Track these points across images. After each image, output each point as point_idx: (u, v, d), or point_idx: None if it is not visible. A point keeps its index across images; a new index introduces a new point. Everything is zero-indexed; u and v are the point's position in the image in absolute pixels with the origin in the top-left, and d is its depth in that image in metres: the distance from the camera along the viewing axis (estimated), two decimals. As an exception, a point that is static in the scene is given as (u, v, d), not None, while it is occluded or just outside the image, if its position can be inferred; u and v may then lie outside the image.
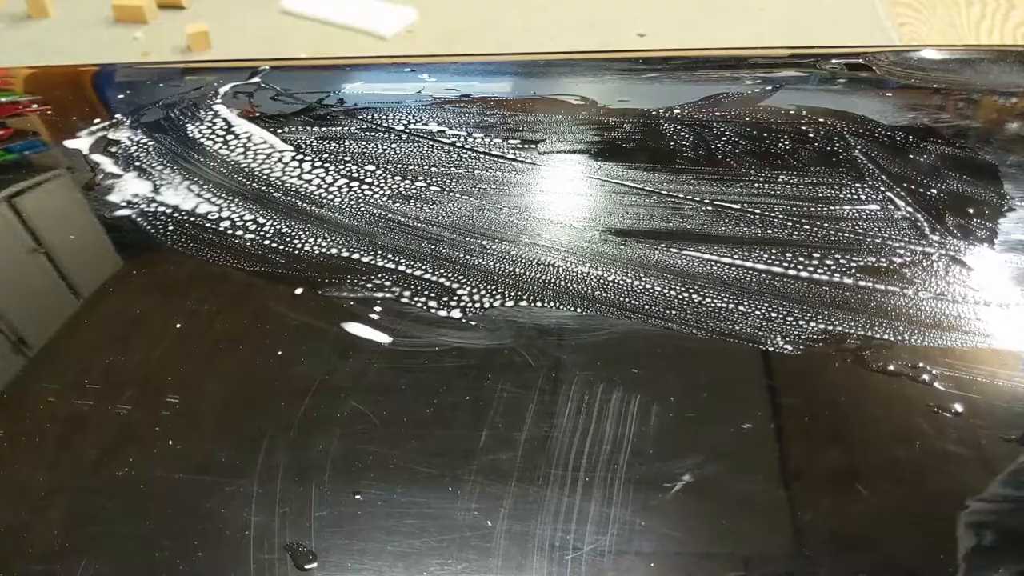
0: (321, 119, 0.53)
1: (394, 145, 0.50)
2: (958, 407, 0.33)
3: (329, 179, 0.47)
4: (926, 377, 0.34)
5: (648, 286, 0.38)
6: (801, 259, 0.40)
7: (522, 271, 0.40)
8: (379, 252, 0.41)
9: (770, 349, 0.35)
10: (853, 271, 0.39)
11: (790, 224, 0.42)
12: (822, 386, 0.34)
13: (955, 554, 0.28)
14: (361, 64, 0.68)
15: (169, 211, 0.45)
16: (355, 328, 0.37)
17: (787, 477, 0.30)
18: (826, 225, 0.42)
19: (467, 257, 0.41)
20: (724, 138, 0.48)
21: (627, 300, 0.38)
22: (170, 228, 0.44)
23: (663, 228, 0.42)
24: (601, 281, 0.39)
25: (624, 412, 0.33)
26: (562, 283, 0.39)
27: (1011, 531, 0.28)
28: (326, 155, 0.49)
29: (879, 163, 0.47)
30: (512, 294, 0.38)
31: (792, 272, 0.39)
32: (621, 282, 0.39)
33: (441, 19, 2.32)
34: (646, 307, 0.37)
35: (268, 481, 0.30)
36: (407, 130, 0.51)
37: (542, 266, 0.40)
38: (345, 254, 0.41)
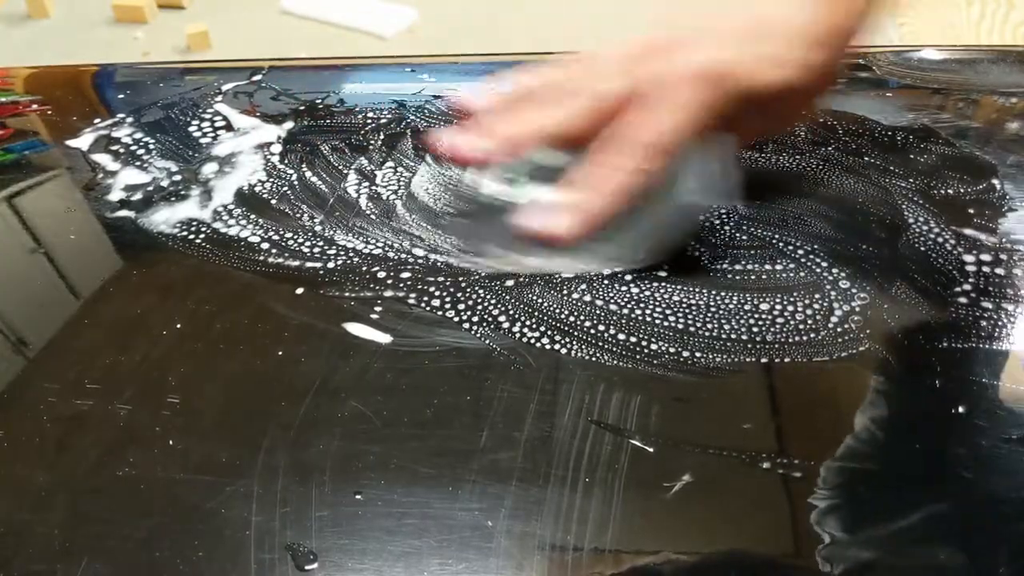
0: (322, 117, 0.53)
1: (396, 143, 0.50)
2: (960, 408, 0.33)
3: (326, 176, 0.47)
4: (927, 379, 0.34)
5: (651, 282, 0.39)
6: (807, 259, 0.40)
7: (523, 270, 0.40)
8: (380, 251, 0.41)
9: (770, 349, 0.35)
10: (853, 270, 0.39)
11: (797, 229, 0.42)
12: (822, 386, 0.34)
13: (954, 554, 0.28)
14: (361, 64, 0.68)
15: (170, 211, 0.45)
16: (356, 328, 0.37)
17: (787, 477, 0.30)
18: (831, 225, 0.42)
19: (467, 257, 0.41)
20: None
21: (633, 306, 0.38)
22: (171, 228, 0.44)
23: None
24: (602, 280, 0.39)
25: (624, 412, 0.33)
26: (562, 282, 0.39)
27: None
28: (325, 151, 0.49)
29: (879, 163, 0.47)
30: (513, 293, 0.38)
31: (800, 274, 0.39)
32: (623, 280, 0.39)
33: (441, 19, 2.31)
34: (650, 308, 0.37)
35: (268, 481, 0.30)
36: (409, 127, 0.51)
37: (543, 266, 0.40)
38: (346, 254, 0.41)
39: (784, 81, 0.37)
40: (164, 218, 0.45)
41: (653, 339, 0.36)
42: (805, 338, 0.36)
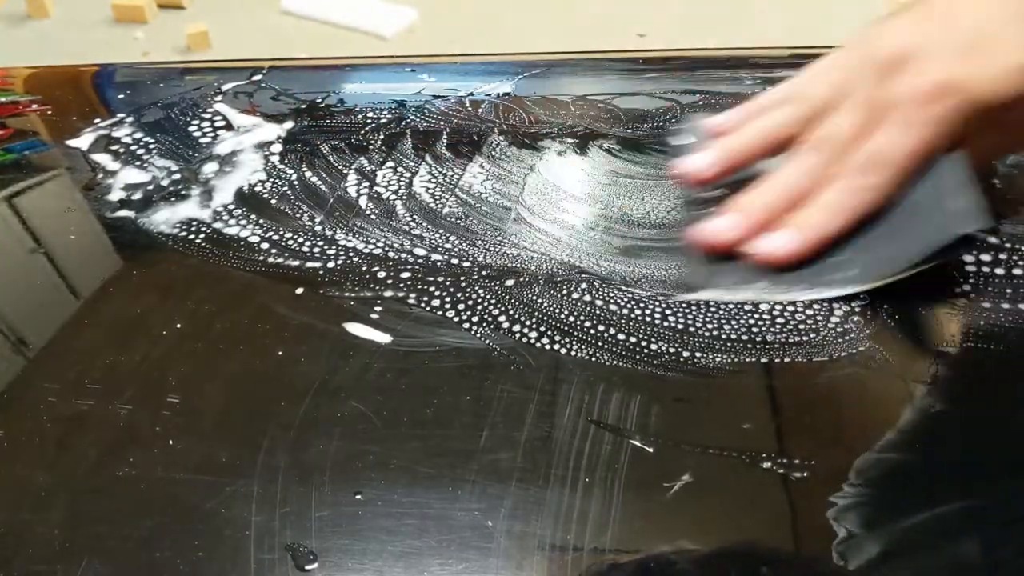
0: (322, 117, 0.53)
1: (397, 143, 0.50)
2: (960, 408, 0.33)
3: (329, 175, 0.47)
4: (927, 379, 0.34)
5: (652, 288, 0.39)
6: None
7: (524, 269, 0.40)
8: (380, 251, 0.41)
9: (770, 349, 0.35)
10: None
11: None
12: (822, 386, 0.34)
13: (955, 556, 0.28)
14: (361, 64, 0.68)
15: (170, 211, 0.45)
16: (356, 328, 0.37)
17: (787, 477, 0.30)
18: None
19: (467, 258, 0.41)
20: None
21: (632, 309, 0.38)
22: (171, 228, 0.44)
23: (668, 225, 0.42)
24: (602, 280, 0.39)
25: (624, 412, 0.33)
26: (562, 282, 0.39)
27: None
28: (326, 152, 0.49)
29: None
30: (513, 293, 0.38)
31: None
32: (625, 281, 0.39)
33: (441, 19, 2.32)
34: (649, 310, 0.37)
35: (268, 481, 0.30)
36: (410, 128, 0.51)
37: (543, 265, 0.40)
38: (346, 254, 0.41)
39: (1020, 91, 0.34)
40: (164, 218, 0.45)
41: (653, 339, 0.36)
42: (805, 338, 0.36)
